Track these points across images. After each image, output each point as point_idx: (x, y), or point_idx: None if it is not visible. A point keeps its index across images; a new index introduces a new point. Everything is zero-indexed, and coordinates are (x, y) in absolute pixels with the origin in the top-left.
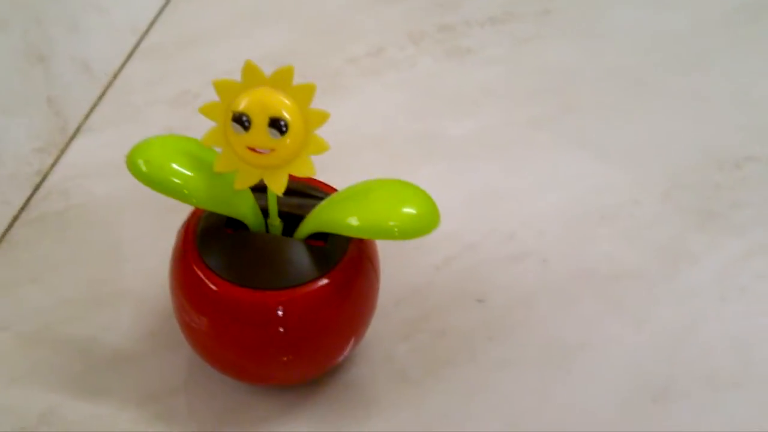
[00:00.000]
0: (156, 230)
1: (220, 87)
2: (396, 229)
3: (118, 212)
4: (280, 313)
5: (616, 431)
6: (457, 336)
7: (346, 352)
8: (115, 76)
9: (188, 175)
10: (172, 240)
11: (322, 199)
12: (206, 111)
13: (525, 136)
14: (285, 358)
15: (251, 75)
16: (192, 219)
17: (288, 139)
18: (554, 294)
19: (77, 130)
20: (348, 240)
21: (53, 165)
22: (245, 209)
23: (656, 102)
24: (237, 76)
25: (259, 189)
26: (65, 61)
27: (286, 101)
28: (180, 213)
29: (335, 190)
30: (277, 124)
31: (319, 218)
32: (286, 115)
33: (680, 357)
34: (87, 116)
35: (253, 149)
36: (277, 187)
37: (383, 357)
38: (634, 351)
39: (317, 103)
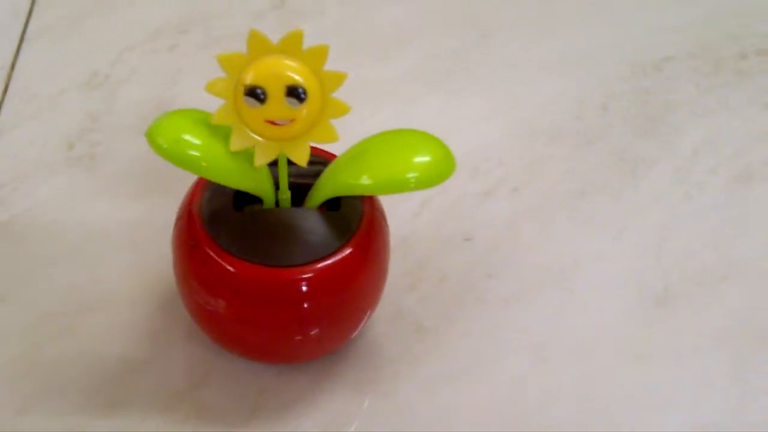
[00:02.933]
0: (121, 221)
1: (226, 61)
2: (413, 181)
3: (71, 209)
4: (304, 288)
5: (631, 337)
6: (457, 278)
7: (369, 317)
8: (12, 68)
9: (206, 149)
10: (143, 229)
11: (320, 164)
12: (213, 88)
13: (452, 67)
14: (311, 333)
15: (258, 44)
16: (191, 203)
17: (306, 106)
18: (533, 220)
19: None
20: (360, 200)
21: None
22: (265, 183)
23: (568, 17)
24: (143, 50)
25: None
26: None
27: (301, 67)
28: (144, 199)
29: (331, 154)
30: (296, 92)
31: (331, 183)
32: (303, 81)
33: (667, 260)
34: None
35: (271, 122)
36: (300, 158)
37: (394, 312)
38: (623, 260)
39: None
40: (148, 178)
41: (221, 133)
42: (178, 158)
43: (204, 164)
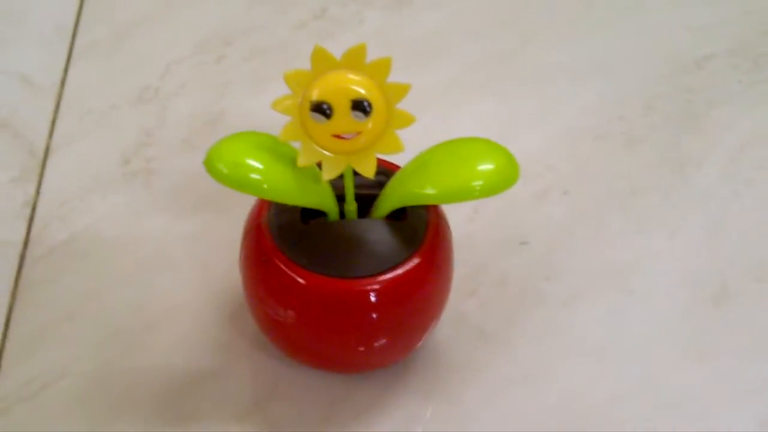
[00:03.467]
0: (180, 236)
1: (291, 78)
2: (478, 189)
3: (130, 225)
4: (373, 299)
5: (691, 336)
6: (517, 282)
7: (435, 325)
8: (62, 85)
9: (267, 171)
10: (202, 243)
11: (382, 174)
12: (280, 106)
13: (493, 72)
14: (379, 343)
15: (322, 60)
16: (259, 217)
17: (372, 119)
18: (586, 222)
19: (47, 149)
20: (425, 209)
21: (38, 192)
22: (326, 197)
23: (606, 18)
24: (191, 62)
25: None
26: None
27: (365, 81)
28: (201, 213)
29: (392, 163)
30: (361, 106)
31: (397, 194)
32: (368, 94)
33: (723, 257)
34: (51, 133)
35: (338, 136)
36: (367, 170)
37: (457, 318)
38: (679, 259)
39: (270, 75)
40: (203, 192)
41: (278, 153)
42: (239, 183)
43: (266, 186)
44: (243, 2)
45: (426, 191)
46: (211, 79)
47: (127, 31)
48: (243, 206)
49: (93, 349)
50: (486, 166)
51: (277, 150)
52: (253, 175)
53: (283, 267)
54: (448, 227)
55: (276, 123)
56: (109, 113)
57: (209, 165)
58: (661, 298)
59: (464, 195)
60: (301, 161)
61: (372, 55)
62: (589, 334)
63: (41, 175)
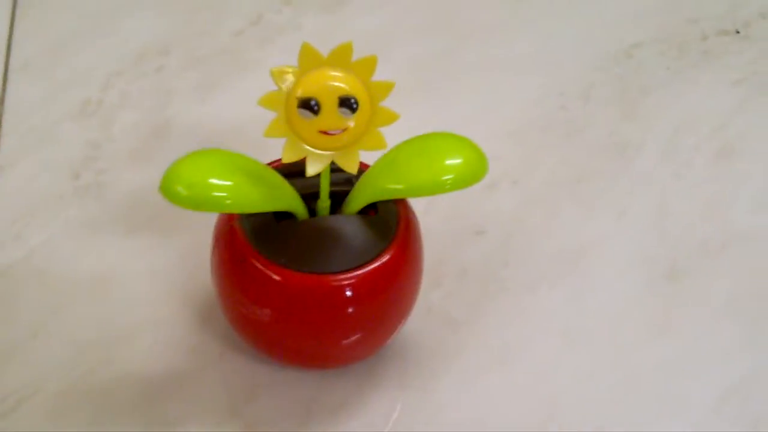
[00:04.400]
0: (138, 248)
1: (278, 75)
2: (449, 183)
3: (87, 238)
4: (351, 293)
5: (650, 312)
6: (477, 270)
7: (408, 316)
8: (1, 103)
9: (228, 186)
10: (163, 253)
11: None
12: (266, 102)
13: (433, 72)
14: (357, 337)
15: (309, 57)
16: (229, 221)
17: (357, 116)
18: (537, 209)
19: None
20: (394, 204)
21: None
22: (292, 200)
23: (536, 14)
24: (131, 74)
25: (292, 174)
26: None
27: (351, 78)
28: (157, 223)
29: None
30: (348, 103)
31: (370, 189)
32: (355, 92)
33: (670, 236)
34: None
35: (324, 132)
36: (351, 166)
37: (424, 310)
38: (629, 240)
39: (213, 82)
40: (157, 202)
41: (234, 166)
42: (201, 203)
43: (229, 202)
44: (177, 13)
45: (398, 186)
46: (154, 89)
47: (62, 46)
48: (198, 215)
49: (63, 365)
50: (455, 161)
51: (232, 164)
52: (216, 193)
53: (260, 267)
54: (417, 220)
55: (226, 129)
56: (52, 128)
57: (166, 190)
58: (616, 279)
59: (435, 189)
60: (286, 158)
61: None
62: (552, 316)
63: None
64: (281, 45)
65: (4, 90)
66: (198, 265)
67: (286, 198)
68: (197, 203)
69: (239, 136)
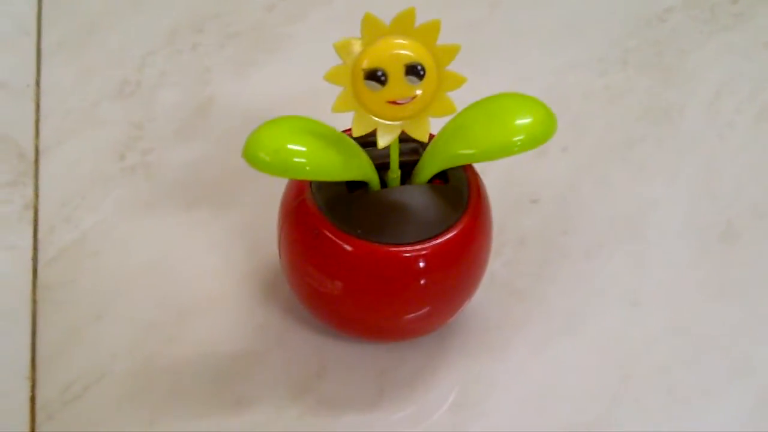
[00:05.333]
0: (192, 225)
1: (342, 48)
2: (519, 143)
3: (140, 219)
4: (425, 264)
5: (710, 274)
6: (536, 239)
7: (477, 288)
8: (37, 85)
9: (308, 153)
10: (219, 227)
11: (413, 141)
12: (332, 77)
13: (468, 41)
14: (429, 309)
15: (372, 27)
16: (299, 194)
17: (425, 83)
18: (588, 175)
19: (37, 151)
20: (464, 171)
21: (37, 195)
22: (367, 168)
23: None
24: (166, 53)
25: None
26: None
27: (416, 45)
28: (209, 200)
29: None
30: (415, 70)
31: (440, 156)
32: (420, 58)
33: (722, 197)
34: (37, 134)
35: (393, 102)
36: (421, 134)
37: (488, 280)
38: (682, 203)
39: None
40: (207, 180)
41: (314, 133)
42: (282, 169)
43: (308, 168)
44: None
45: (469, 151)
46: (191, 67)
47: (93, 26)
48: (251, 189)
49: (129, 346)
50: (524, 120)
51: (312, 131)
52: (297, 159)
53: (335, 239)
54: (485, 187)
55: (268, 104)
56: (92, 110)
57: (249, 156)
58: (674, 241)
59: (506, 151)
60: (356, 131)
61: (345, 32)
62: (615, 281)
63: (36, 177)
64: (314, 19)
65: (38, 72)
66: (256, 241)
67: (363, 167)
68: (279, 169)
69: (283, 110)
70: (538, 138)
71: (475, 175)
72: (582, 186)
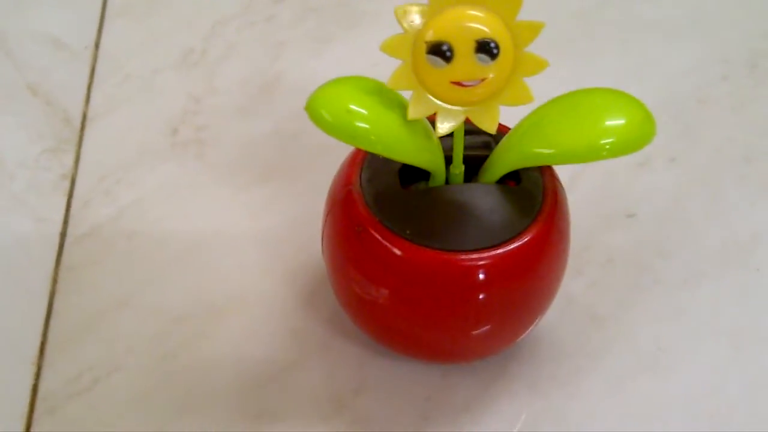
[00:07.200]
0: (241, 212)
1: (403, 14)
2: (608, 147)
3: (184, 201)
4: (484, 276)
5: None
6: (626, 259)
7: (547, 308)
8: (96, 47)
9: (375, 120)
10: (268, 218)
11: (486, 134)
12: (389, 48)
13: (578, 31)
14: (486, 328)
15: None
16: (347, 184)
17: (498, 64)
18: (697, 192)
19: (84, 118)
20: (539, 173)
21: (76, 164)
22: (437, 156)
23: None
24: (238, 23)
25: None
26: (26, 40)
27: (491, 18)
28: (263, 186)
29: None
30: (487, 48)
31: (512, 154)
32: (495, 34)
33: None
34: (87, 100)
35: (458, 83)
36: (489, 125)
37: (564, 301)
38: None
39: (328, 34)
40: (264, 163)
41: (387, 100)
42: (344, 132)
43: (373, 138)
44: None
45: (547, 151)
46: (263, 40)
47: None
48: (311, 177)
49: (149, 340)
50: (616, 121)
51: (386, 97)
52: (360, 124)
53: (380, 239)
54: (565, 194)
55: None
56: (151, 78)
57: (311, 110)
58: None
59: (590, 155)
60: (412, 113)
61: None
62: (717, 316)
63: (79, 146)
64: None
65: (99, 34)
66: (311, 236)
67: (434, 152)
68: (340, 132)
69: None
70: (631, 143)
71: (553, 178)
72: (688, 203)
